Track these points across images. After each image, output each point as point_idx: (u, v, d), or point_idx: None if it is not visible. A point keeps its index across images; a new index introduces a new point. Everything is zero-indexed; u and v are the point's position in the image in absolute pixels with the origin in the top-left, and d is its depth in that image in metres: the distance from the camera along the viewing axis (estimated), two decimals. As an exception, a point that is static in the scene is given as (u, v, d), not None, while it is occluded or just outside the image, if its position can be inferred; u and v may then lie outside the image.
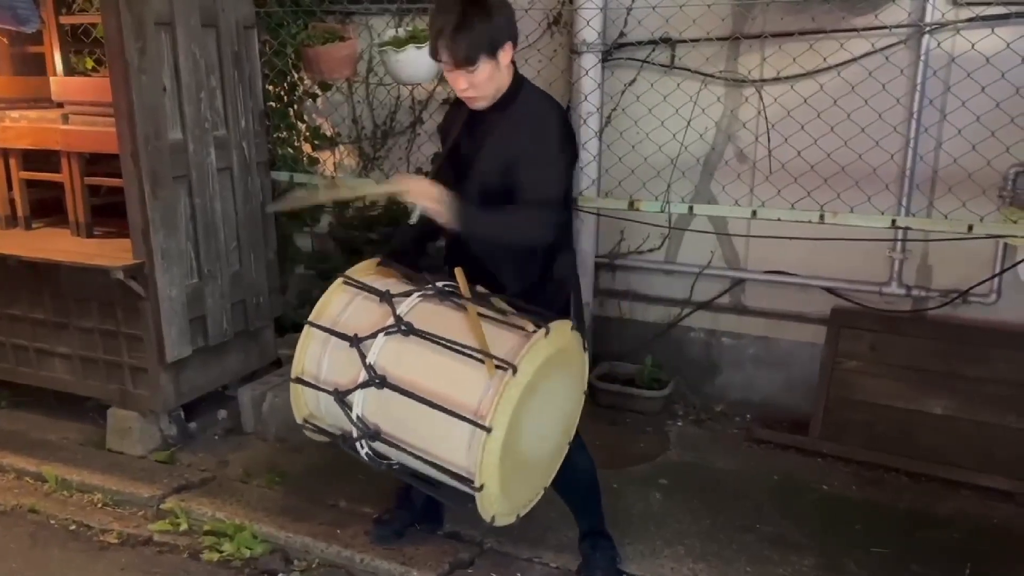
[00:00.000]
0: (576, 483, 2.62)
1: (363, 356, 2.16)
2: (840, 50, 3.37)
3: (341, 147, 4.54)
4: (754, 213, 3.27)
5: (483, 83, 2.28)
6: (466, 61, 2.22)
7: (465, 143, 2.44)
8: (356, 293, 2.33)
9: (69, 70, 3.97)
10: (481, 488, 2.03)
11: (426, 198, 2.28)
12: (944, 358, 3.41)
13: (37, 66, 3.98)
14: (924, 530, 2.97)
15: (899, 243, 3.51)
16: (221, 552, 2.92)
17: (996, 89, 3.08)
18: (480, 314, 2.17)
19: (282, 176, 4.01)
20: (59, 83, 3.78)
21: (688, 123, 3.68)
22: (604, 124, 3.82)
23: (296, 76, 4.19)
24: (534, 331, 2.11)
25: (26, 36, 3.80)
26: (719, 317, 3.97)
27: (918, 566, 2.77)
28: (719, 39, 3.61)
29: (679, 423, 3.82)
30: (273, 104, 4.10)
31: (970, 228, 2.93)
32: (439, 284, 2.28)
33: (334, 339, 2.25)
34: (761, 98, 3.62)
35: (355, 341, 2.18)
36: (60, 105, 3.74)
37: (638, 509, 3.10)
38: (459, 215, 2.27)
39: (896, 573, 2.74)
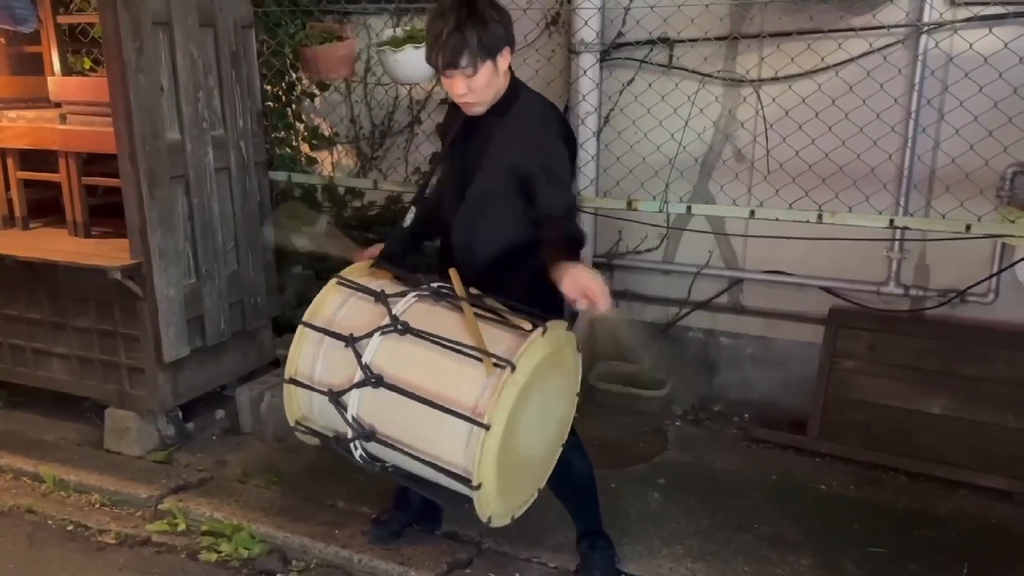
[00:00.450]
0: (574, 484, 2.62)
1: (359, 356, 2.15)
2: (838, 50, 3.37)
3: (339, 147, 4.53)
4: (752, 213, 3.27)
5: (481, 88, 2.27)
6: (464, 66, 2.21)
7: (464, 147, 2.44)
8: (350, 293, 2.32)
9: (67, 70, 3.97)
10: (479, 487, 2.03)
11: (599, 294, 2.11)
12: (942, 358, 3.41)
13: (35, 66, 3.98)
14: (922, 530, 2.97)
15: (897, 243, 3.52)
16: (219, 552, 2.92)
17: (994, 89, 3.08)
18: (476, 313, 2.17)
19: (280, 176, 4.01)
20: (57, 83, 3.78)
21: (686, 123, 3.68)
22: (602, 124, 3.82)
23: (294, 76, 4.19)
24: (531, 330, 2.10)
25: (24, 36, 3.80)
26: (717, 317, 3.97)
27: (916, 566, 2.77)
28: (717, 39, 3.61)
29: (677, 423, 3.82)
30: (271, 104, 4.10)
31: (968, 228, 2.94)
32: (434, 284, 2.28)
33: (328, 339, 2.24)
34: (759, 98, 3.62)
35: (351, 341, 2.17)
36: (58, 105, 3.74)
37: (636, 509, 3.10)
38: (588, 270, 2.18)
39: (894, 573, 2.74)
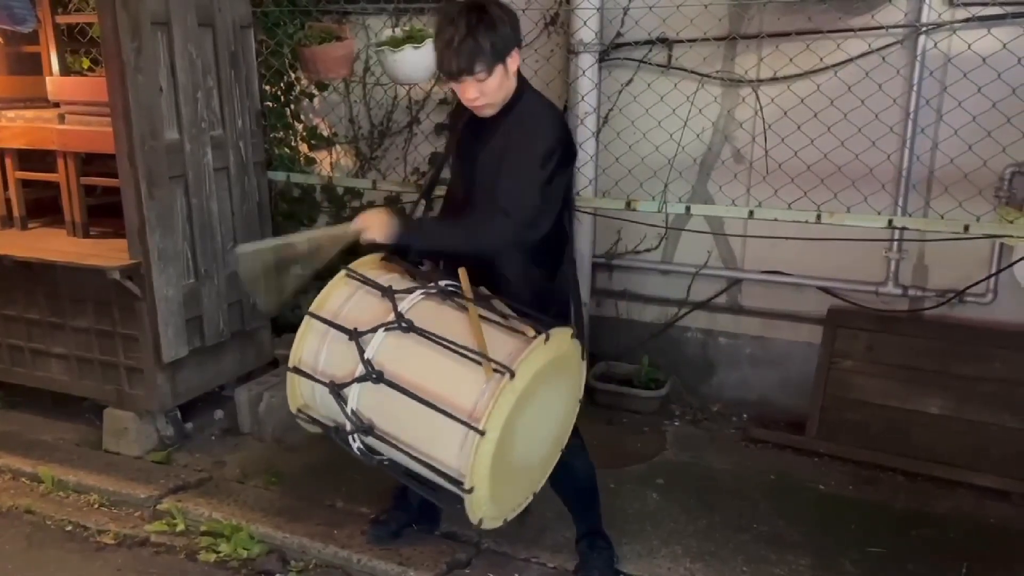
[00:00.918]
0: (576, 485, 2.63)
1: (361, 350, 2.15)
2: (837, 50, 3.37)
3: (338, 147, 4.53)
4: (751, 213, 3.27)
5: (493, 92, 2.27)
6: (477, 72, 2.21)
7: (468, 146, 2.44)
8: (358, 287, 2.31)
9: (65, 70, 3.96)
10: (471, 491, 2.03)
11: (377, 230, 2.31)
12: (940, 358, 3.42)
13: (33, 65, 3.98)
14: (920, 529, 2.97)
15: (895, 243, 3.52)
16: (218, 553, 2.92)
17: (992, 89, 3.08)
18: (481, 316, 2.17)
19: (279, 176, 4.01)
20: (55, 83, 3.77)
21: (685, 123, 3.68)
22: (601, 124, 3.82)
23: (293, 76, 4.19)
24: (534, 336, 2.10)
25: (22, 35, 3.80)
26: (716, 317, 3.97)
27: (914, 565, 2.77)
28: (716, 39, 3.61)
29: (676, 423, 3.83)
30: (270, 104, 4.10)
31: (966, 228, 2.94)
32: (442, 283, 2.28)
33: (333, 331, 2.24)
34: (758, 98, 3.62)
35: (354, 335, 2.17)
36: (56, 105, 3.74)
37: (635, 509, 3.10)
38: (415, 234, 2.33)
39: (892, 572, 2.75)
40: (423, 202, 2.59)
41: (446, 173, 2.71)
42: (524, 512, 2.33)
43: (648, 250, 4.01)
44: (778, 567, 2.77)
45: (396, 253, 2.42)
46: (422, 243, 2.36)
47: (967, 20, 3.20)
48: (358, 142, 4.48)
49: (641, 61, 3.77)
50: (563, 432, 2.35)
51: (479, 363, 2.05)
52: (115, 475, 3.32)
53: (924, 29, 3.27)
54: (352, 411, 2.18)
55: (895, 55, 3.33)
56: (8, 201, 3.83)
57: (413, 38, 3.46)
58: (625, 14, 3.71)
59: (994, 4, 3.11)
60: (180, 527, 3.05)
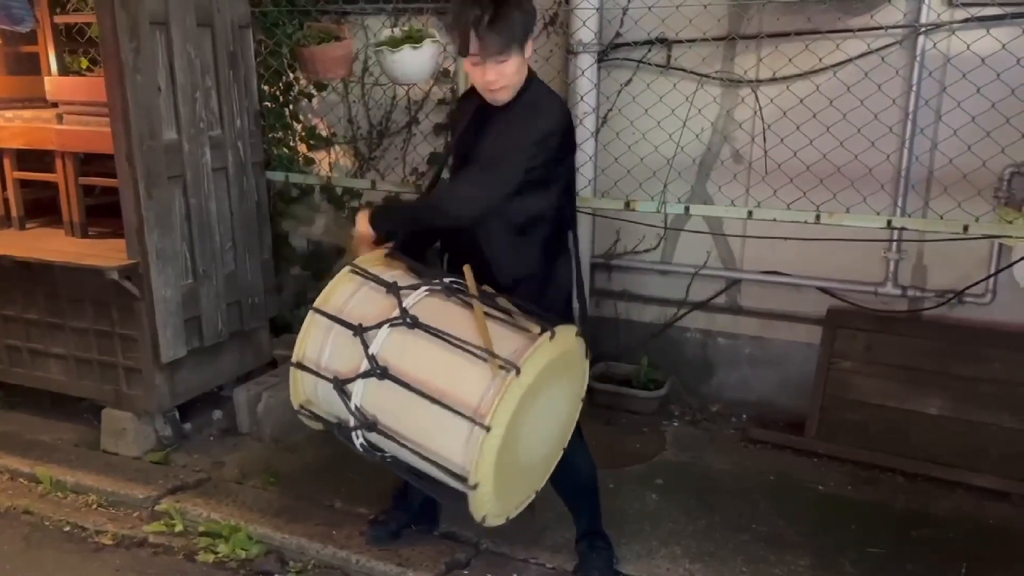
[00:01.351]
0: (577, 484, 2.62)
1: (366, 346, 2.15)
2: (836, 51, 3.37)
3: (337, 147, 4.53)
4: (750, 213, 3.27)
5: (511, 74, 2.26)
6: (499, 52, 2.19)
7: (472, 138, 2.43)
8: (363, 282, 2.31)
9: (64, 70, 3.96)
10: (475, 487, 2.03)
11: (358, 227, 2.45)
12: (939, 358, 3.42)
13: (31, 65, 3.98)
14: (919, 530, 2.97)
15: (895, 243, 3.52)
16: (216, 553, 2.91)
17: (991, 90, 3.08)
18: (486, 313, 2.17)
19: (277, 176, 4.01)
20: (54, 83, 3.77)
21: (684, 123, 3.68)
22: (600, 124, 3.82)
23: (292, 76, 4.18)
24: (539, 333, 2.10)
25: (20, 35, 3.79)
26: (715, 317, 3.97)
27: (913, 566, 2.77)
28: (715, 39, 3.61)
29: (675, 423, 3.83)
30: (269, 104, 4.09)
31: (965, 229, 2.94)
32: (446, 280, 2.27)
33: (337, 327, 2.24)
34: (757, 98, 3.62)
35: (359, 330, 2.17)
36: (55, 105, 3.74)
37: (634, 509, 3.10)
38: (383, 215, 2.42)
39: (891, 572, 2.75)
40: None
41: (446, 175, 2.71)
42: (527, 510, 2.33)
43: (647, 250, 4.01)
44: (777, 567, 2.77)
45: (401, 250, 2.42)
46: (391, 221, 2.43)
47: (966, 20, 3.20)
48: (357, 142, 4.48)
49: (640, 61, 3.77)
50: (566, 430, 2.35)
51: (484, 359, 2.05)
52: (113, 475, 3.32)
53: (923, 29, 3.27)
54: (356, 407, 2.17)
55: (894, 55, 3.33)
56: (6, 201, 3.83)
57: (412, 38, 3.46)
58: (624, 14, 3.71)
59: (993, 4, 3.11)
60: (178, 528, 3.05)
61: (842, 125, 3.32)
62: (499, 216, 2.34)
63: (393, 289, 2.22)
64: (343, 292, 2.31)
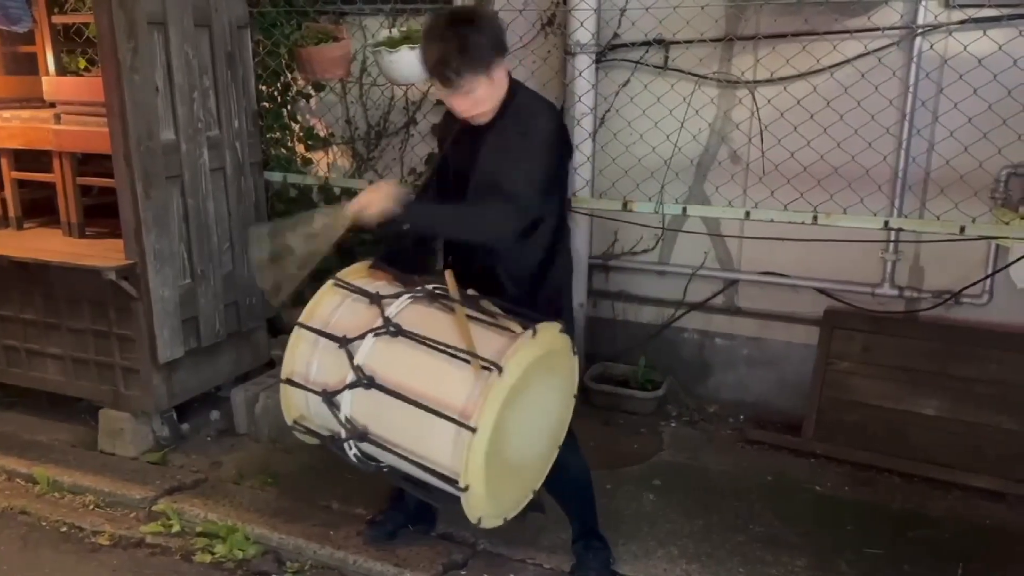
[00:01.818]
0: (570, 486, 2.62)
1: (351, 357, 2.16)
2: (833, 52, 3.37)
3: (335, 147, 4.53)
4: (747, 214, 3.28)
5: (482, 101, 2.29)
6: (463, 85, 2.23)
7: (460, 151, 2.45)
8: (346, 295, 2.33)
9: (61, 70, 3.95)
10: (466, 489, 2.03)
11: (376, 206, 2.28)
12: (936, 359, 3.42)
13: (29, 66, 3.97)
14: (916, 530, 2.97)
15: (892, 244, 3.53)
16: (213, 554, 2.91)
17: (988, 91, 3.09)
18: (469, 316, 2.18)
19: (275, 177, 4.01)
20: (51, 83, 3.77)
21: (682, 124, 3.69)
22: (598, 125, 3.82)
23: (290, 76, 4.18)
24: (521, 332, 2.11)
25: (18, 36, 3.79)
26: (712, 318, 3.97)
27: (910, 566, 2.77)
28: (713, 40, 3.61)
29: (672, 424, 3.83)
30: (267, 104, 4.09)
31: (962, 229, 2.95)
32: (429, 287, 2.28)
33: (323, 340, 2.25)
34: (754, 99, 3.62)
35: (344, 342, 2.18)
36: (52, 105, 3.73)
37: (632, 510, 3.10)
38: (412, 212, 2.31)
39: (888, 573, 2.75)
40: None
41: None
42: (525, 511, 2.33)
43: (645, 251, 4.01)
44: (774, 568, 2.77)
45: (387, 260, 2.42)
46: (418, 222, 2.35)
47: (963, 22, 3.21)
48: (355, 143, 4.48)
49: (638, 62, 3.78)
50: (559, 428, 2.35)
51: (467, 361, 2.06)
52: (111, 476, 3.31)
53: (920, 31, 3.27)
54: (346, 418, 2.18)
55: (891, 57, 3.34)
56: (4, 201, 3.83)
57: (410, 39, 3.46)
58: (622, 15, 3.72)
59: (990, 6, 3.12)
60: (176, 528, 3.05)
61: (839, 126, 3.32)
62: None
63: (376, 299, 2.24)
64: (327, 305, 2.32)
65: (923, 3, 3.25)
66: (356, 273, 2.41)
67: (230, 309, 3.66)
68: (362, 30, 4.20)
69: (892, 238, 3.50)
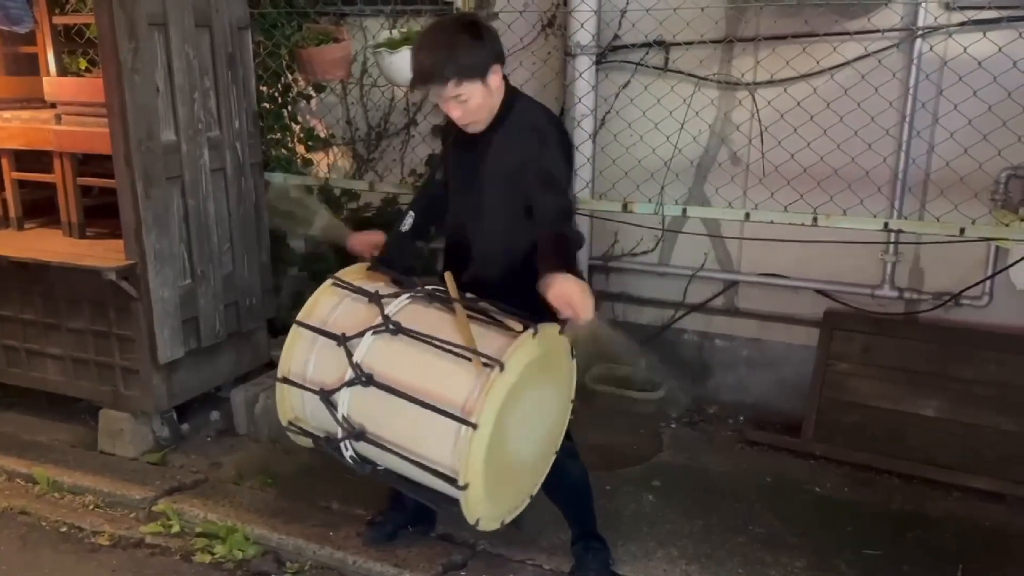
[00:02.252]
0: (569, 489, 2.62)
1: (350, 354, 2.15)
2: (833, 53, 3.38)
3: (335, 148, 4.53)
4: (747, 215, 3.28)
5: (476, 109, 2.29)
6: (455, 92, 2.23)
7: (464, 158, 2.45)
8: (345, 294, 2.33)
9: (62, 70, 3.96)
10: (466, 487, 2.02)
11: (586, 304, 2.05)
12: (936, 360, 3.42)
13: (30, 66, 3.98)
14: (915, 531, 2.97)
15: (891, 246, 3.53)
16: (213, 554, 2.91)
17: (988, 92, 3.09)
18: (468, 315, 2.17)
19: (276, 177, 4.01)
20: (52, 83, 3.77)
21: (682, 126, 3.69)
22: (598, 127, 3.83)
23: (290, 77, 4.19)
24: (522, 331, 2.10)
25: (19, 36, 3.79)
26: (712, 319, 3.97)
27: (909, 567, 2.77)
28: (713, 42, 3.61)
29: (672, 425, 3.83)
30: (267, 105, 4.09)
31: (962, 231, 2.95)
32: (428, 287, 2.28)
33: (322, 339, 2.25)
34: (754, 101, 3.63)
35: (342, 340, 2.17)
36: (53, 105, 3.73)
37: (631, 510, 3.10)
38: (574, 272, 2.15)
39: (887, 574, 2.75)
40: (412, 213, 2.59)
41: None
42: (521, 515, 2.33)
43: (645, 252, 4.01)
44: (774, 569, 2.77)
45: (383, 262, 2.44)
46: (575, 270, 2.18)
47: (963, 24, 3.21)
48: (355, 144, 4.48)
49: (638, 64, 3.78)
50: (557, 431, 2.35)
51: (468, 359, 2.05)
52: (110, 476, 3.31)
53: (920, 32, 3.28)
54: (343, 416, 2.18)
55: (891, 58, 3.34)
56: (4, 201, 3.82)
57: (410, 40, 3.46)
58: (622, 16, 3.72)
59: (990, 8, 3.12)
60: (175, 528, 3.05)
61: (839, 128, 3.33)
62: (521, 226, 2.34)
63: (375, 298, 2.24)
64: (326, 304, 2.32)
65: (923, 5, 3.25)
66: (354, 274, 2.41)
67: (230, 309, 3.66)
68: (363, 31, 4.20)
69: (892, 239, 3.51)
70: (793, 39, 3.43)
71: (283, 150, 4.21)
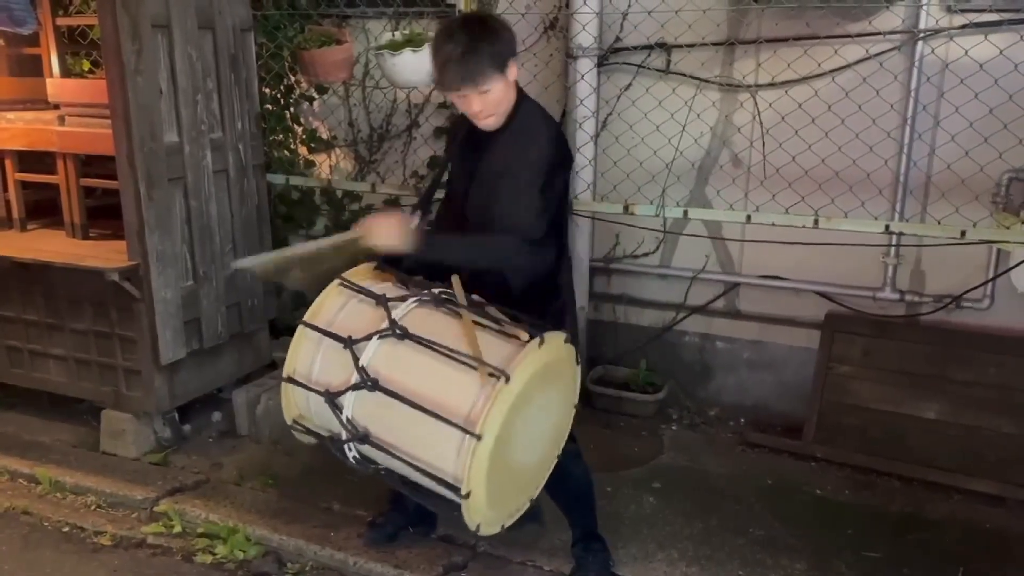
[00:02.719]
0: (571, 491, 2.63)
1: (356, 358, 2.15)
2: (834, 56, 3.38)
3: (337, 150, 4.54)
4: (749, 218, 3.28)
5: (496, 103, 2.30)
6: (480, 84, 2.23)
7: (467, 159, 2.46)
8: (352, 296, 2.32)
9: (65, 72, 3.97)
10: (468, 496, 2.02)
11: (386, 236, 2.27)
12: (937, 363, 3.42)
13: (33, 67, 3.99)
14: (916, 534, 2.97)
15: (893, 248, 3.53)
16: (214, 555, 2.92)
17: (989, 95, 3.09)
18: (475, 322, 2.17)
19: (278, 179, 4.02)
20: (55, 84, 3.78)
21: (683, 128, 3.69)
22: (600, 129, 3.83)
23: (292, 79, 4.20)
24: (528, 340, 2.10)
25: (22, 37, 3.80)
26: (713, 321, 3.97)
27: (910, 570, 2.77)
28: (714, 44, 3.62)
29: (673, 427, 3.83)
30: (269, 107, 4.11)
31: (963, 234, 2.95)
32: (435, 291, 2.28)
33: (327, 340, 2.24)
34: (756, 103, 3.63)
35: (349, 343, 2.17)
36: (56, 106, 3.75)
37: (632, 512, 3.10)
38: (425, 244, 2.29)
39: (888, 577, 2.76)
40: (419, 212, 2.59)
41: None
42: (522, 520, 2.33)
43: (646, 254, 4.01)
44: (774, 571, 2.78)
45: (389, 262, 2.42)
46: (428, 256, 2.34)
47: (964, 26, 3.21)
48: (357, 145, 4.49)
49: (640, 66, 3.78)
50: (559, 436, 2.35)
51: (474, 368, 2.05)
52: (112, 476, 3.32)
53: (922, 35, 3.28)
54: (347, 419, 2.18)
55: (893, 61, 3.34)
56: (8, 202, 3.84)
57: (412, 42, 3.47)
58: (624, 19, 3.72)
59: (991, 10, 3.12)
60: (177, 529, 3.06)
61: (841, 130, 3.33)
62: None
63: (382, 301, 2.23)
64: (332, 305, 2.31)
65: (924, 7, 3.25)
66: (362, 274, 2.40)
67: (232, 311, 3.67)
68: (365, 33, 4.21)
69: (893, 242, 3.50)
70: (795, 41, 3.43)
71: (285, 151, 4.22)
